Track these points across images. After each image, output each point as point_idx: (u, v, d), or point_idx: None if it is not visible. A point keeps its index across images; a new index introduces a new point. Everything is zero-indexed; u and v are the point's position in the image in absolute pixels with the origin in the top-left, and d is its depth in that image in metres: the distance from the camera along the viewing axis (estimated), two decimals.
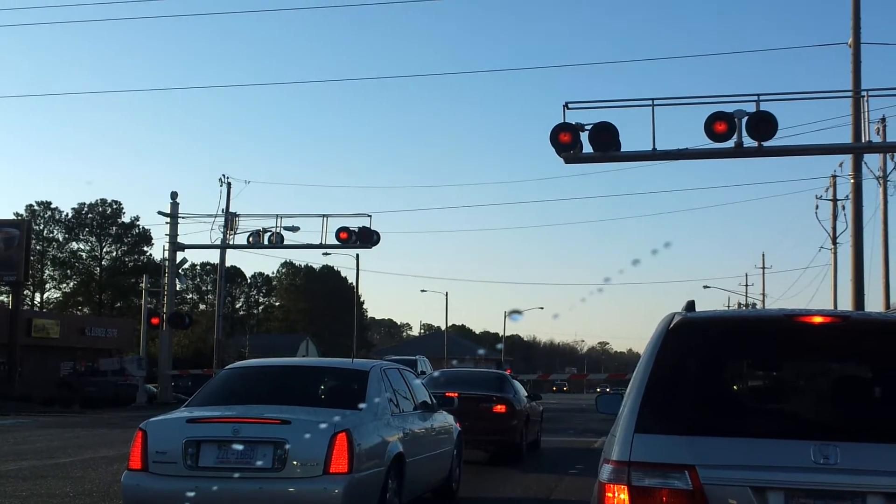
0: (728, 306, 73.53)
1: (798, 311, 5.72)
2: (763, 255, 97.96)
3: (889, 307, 34.72)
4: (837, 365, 6.07)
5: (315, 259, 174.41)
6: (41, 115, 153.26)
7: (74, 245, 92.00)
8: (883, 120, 33.79)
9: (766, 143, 23.25)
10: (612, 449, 5.23)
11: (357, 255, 66.09)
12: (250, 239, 44.40)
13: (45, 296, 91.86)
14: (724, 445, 5.05)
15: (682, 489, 4.93)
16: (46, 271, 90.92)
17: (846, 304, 33.24)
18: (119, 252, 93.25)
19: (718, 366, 5.79)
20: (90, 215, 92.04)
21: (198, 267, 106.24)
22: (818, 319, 5.56)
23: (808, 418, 5.36)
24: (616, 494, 5.05)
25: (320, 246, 43.52)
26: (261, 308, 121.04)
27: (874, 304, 35.89)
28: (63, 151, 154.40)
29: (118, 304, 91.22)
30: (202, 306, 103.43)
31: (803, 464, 4.88)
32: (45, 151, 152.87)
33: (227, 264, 53.34)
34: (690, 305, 6.10)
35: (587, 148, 23.73)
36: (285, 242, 44.04)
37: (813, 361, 6.04)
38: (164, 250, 48.78)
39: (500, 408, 18.33)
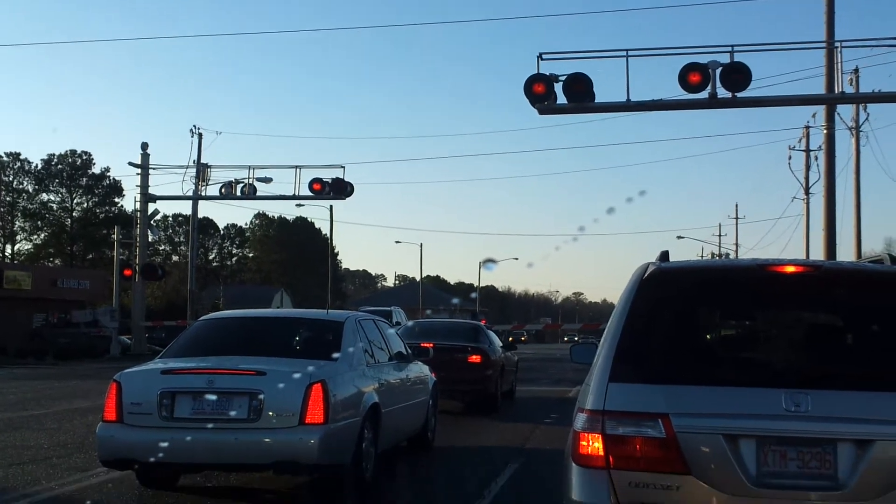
0: (701, 256, 74.04)
1: (771, 261, 5.75)
2: (736, 205, 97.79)
3: (861, 256, 35.06)
4: (809, 314, 6.11)
5: (288, 210, 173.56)
6: (8, 67, 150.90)
7: (45, 196, 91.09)
8: (856, 71, 33.95)
9: (740, 94, 23.30)
10: (587, 398, 5.26)
11: (331, 207, 65.81)
12: (223, 190, 44.10)
13: (17, 247, 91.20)
14: (697, 394, 5.09)
15: (655, 437, 4.98)
16: (17, 223, 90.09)
17: (818, 253, 33.53)
18: (90, 203, 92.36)
19: (692, 315, 5.81)
20: (60, 166, 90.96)
21: (170, 218, 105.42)
22: (791, 269, 5.60)
23: (780, 367, 5.39)
24: (590, 443, 5.09)
25: (293, 197, 43.31)
26: (234, 259, 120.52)
27: (846, 253, 36.32)
28: (31, 102, 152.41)
29: (90, 256, 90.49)
30: (175, 258, 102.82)
31: (775, 411, 4.93)
32: (13, 103, 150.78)
33: (200, 215, 52.97)
34: (664, 256, 6.12)
35: (561, 99, 23.71)
36: (258, 194, 43.82)
37: (785, 311, 6.08)
38: (135, 202, 48.40)
39: (475, 358, 18.40)
